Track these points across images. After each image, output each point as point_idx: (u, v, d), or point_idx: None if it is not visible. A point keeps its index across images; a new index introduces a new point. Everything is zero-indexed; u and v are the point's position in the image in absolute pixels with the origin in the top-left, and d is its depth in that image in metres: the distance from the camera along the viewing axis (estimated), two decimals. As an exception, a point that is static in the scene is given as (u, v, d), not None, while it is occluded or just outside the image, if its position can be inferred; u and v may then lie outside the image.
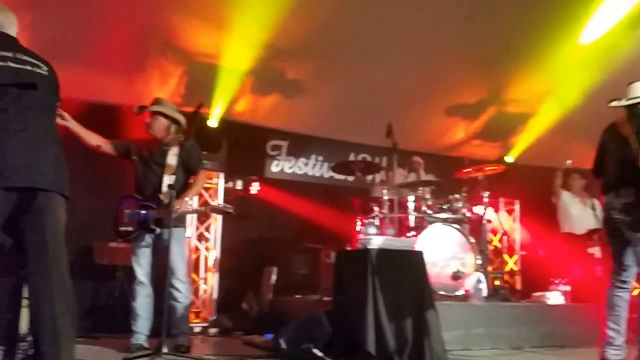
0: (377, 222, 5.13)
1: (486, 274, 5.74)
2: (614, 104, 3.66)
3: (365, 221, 4.65)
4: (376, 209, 5.28)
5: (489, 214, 6.55)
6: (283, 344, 4.00)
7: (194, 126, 3.95)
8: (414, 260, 4.11)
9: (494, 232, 7.25)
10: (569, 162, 6.37)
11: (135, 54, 5.55)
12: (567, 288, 5.30)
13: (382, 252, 4.04)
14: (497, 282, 6.42)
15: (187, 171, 4.23)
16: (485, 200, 5.84)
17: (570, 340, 4.83)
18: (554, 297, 5.17)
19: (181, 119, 4.24)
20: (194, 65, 5.78)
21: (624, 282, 3.55)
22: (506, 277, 7.04)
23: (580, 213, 6.41)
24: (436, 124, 7.25)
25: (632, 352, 3.43)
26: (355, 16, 5.35)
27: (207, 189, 6.25)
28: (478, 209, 5.85)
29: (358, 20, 5.41)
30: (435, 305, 4.05)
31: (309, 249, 6.54)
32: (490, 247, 7.32)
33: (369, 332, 3.77)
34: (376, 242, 4.14)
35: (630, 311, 3.58)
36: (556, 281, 5.36)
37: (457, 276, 5.13)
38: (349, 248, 5.37)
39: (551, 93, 6.61)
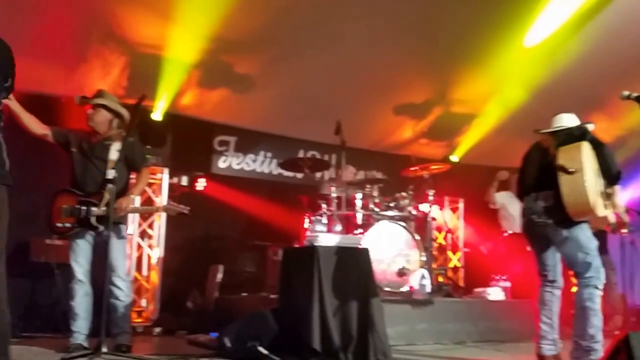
0: (324, 219, 5.13)
1: (430, 270, 5.85)
2: (542, 131, 3.80)
3: (313, 218, 4.65)
4: (324, 206, 5.28)
5: (434, 211, 6.68)
6: (228, 342, 3.96)
7: (136, 119, 3.84)
8: (360, 258, 4.14)
9: (439, 229, 7.39)
10: (505, 174, 6.61)
11: (76, 44, 5.33)
12: (507, 284, 5.47)
13: (329, 250, 4.06)
14: (441, 279, 6.56)
15: (129, 168, 4.13)
16: (431, 198, 5.95)
17: (510, 335, 5.00)
18: (495, 293, 5.32)
19: (124, 113, 4.12)
20: (138, 56, 5.59)
21: (552, 280, 3.70)
22: (450, 273, 7.19)
23: (520, 212, 6.62)
24: (384, 123, 7.31)
25: (568, 346, 3.56)
26: (306, 10, 5.32)
27: (150, 185, 6.09)
28: (424, 207, 5.96)
29: (309, 14, 5.38)
30: (380, 302, 4.10)
31: (256, 247, 6.48)
32: (435, 244, 7.47)
33: (314, 329, 3.78)
34: (323, 239, 4.14)
35: (568, 307, 3.71)
36: (497, 277, 5.51)
37: (402, 273, 5.20)
38: (296, 245, 5.36)
39: (495, 94, 6.77)
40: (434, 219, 6.23)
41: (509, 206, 6.65)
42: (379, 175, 7.63)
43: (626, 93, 3.61)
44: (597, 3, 5.64)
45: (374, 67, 6.15)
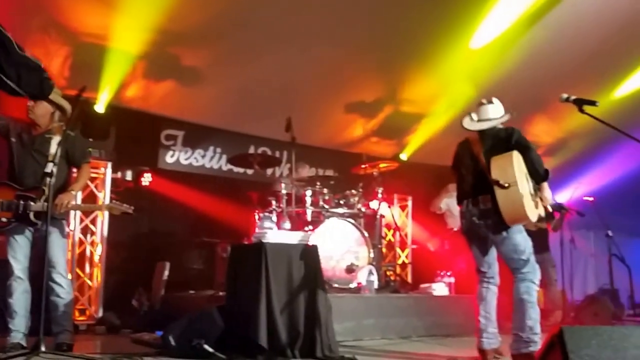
0: (274, 216, 5.11)
1: (379, 267, 5.92)
2: (466, 124, 3.90)
3: (261, 215, 4.62)
4: (274, 202, 5.26)
5: (383, 209, 6.77)
6: (172, 340, 3.89)
7: (76, 111, 3.71)
8: (308, 255, 4.13)
9: (388, 226, 7.49)
10: (454, 186, 6.78)
11: (15, 31, 5.09)
12: (452, 280, 5.60)
13: (277, 247, 4.04)
14: (389, 275, 6.65)
15: (70, 163, 3.99)
16: (380, 195, 6.02)
17: (454, 330, 5.11)
18: (439, 289, 5.43)
19: (67, 106, 3.96)
20: (80, 46, 5.40)
21: (490, 277, 3.82)
22: (398, 269, 7.30)
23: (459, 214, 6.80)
24: (336, 120, 7.35)
25: (507, 340, 3.67)
26: (258, 5, 5.28)
27: (93, 180, 5.88)
28: (373, 204, 6.02)
29: (260, 8, 5.34)
30: (328, 298, 4.11)
31: (205, 244, 6.40)
32: (384, 241, 7.57)
33: (261, 326, 3.75)
34: (271, 236, 4.12)
35: (508, 303, 3.82)
36: (442, 273, 5.64)
37: (351, 269, 5.24)
38: (245, 242, 5.31)
39: (443, 94, 6.92)
40: (382, 216, 6.31)
41: (453, 207, 6.81)
42: (330, 172, 7.68)
43: (565, 96, 3.73)
44: (541, 7, 5.84)
45: (326, 65, 6.16)
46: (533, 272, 3.59)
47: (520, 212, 3.49)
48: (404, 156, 7.94)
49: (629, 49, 6.47)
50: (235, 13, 5.39)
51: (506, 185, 3.51)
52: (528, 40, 6.18)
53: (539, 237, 5.72)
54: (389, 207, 6.75)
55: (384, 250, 7.44)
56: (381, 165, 6.19)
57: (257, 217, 5.38)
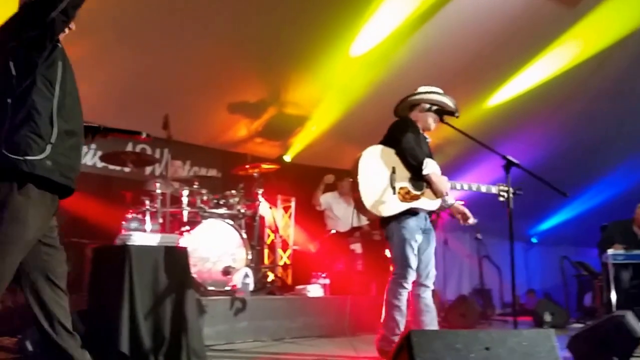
0: (147, 216, 4.93)
1: (257, 268, 5.91)
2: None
3: (128, 216, 4.42)
4: (148, 202, 5.07)
5: (265, 210, 6.77)
6: (29, 345, 3.69)
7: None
8: (177, 257, 4.02)
9: (271, 228, 7.49)
10: (331, 177, 6.93)
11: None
12: (327, 281, 5.70)
13: (143, 249, 3.90)
14: (271, 276, 6.65)
15: None
16: (261, 196, 6.00)
17: (327, 331, 5.20)
18: (314, 290, 5.51)
19: None
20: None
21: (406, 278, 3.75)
22: (280, 271, 7.32)
23: (344, 213, 6.96)
24: (220, 119, 7.23)
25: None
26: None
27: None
28: (253, 205, 5.99)
29: (139, 3, 5.14)
30: (200, 302, 4.04)
31: (74, 244, 6.00)
32: (267, 242, 7.56)
33: (123, 332, 3.61)
34: (137, 238, 3.97)
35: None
36: (318, 275, 5.73)
37: (227, 271, 5.17)
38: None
39: (325, 99, 7.05)
40: (262, 217, 6.30)
41: (334, 207, 6.96)
42: (213, 172, 7.55)
43: (427, 106, 3.92)
44: (419, 18, 6.13)
45: (208, 63, 6.06)
46: (403, 275, 3.59)
47: (360, 207, 3.58)
48: (287, 157, 7.98)
49: (501, 60, 6.95)
50: (114, 5, 5.14)
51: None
52: (405, 50, 6.46)
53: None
54: (270, 208, 6.76)
55: (266, 251, 7.45)
56: (263, 166, 6.17)
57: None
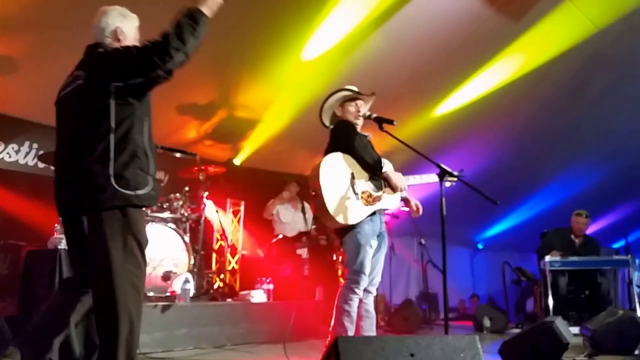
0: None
1: (201, 273, 5.83)
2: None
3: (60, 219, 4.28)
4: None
5: (213, 214, 6.69)
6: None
7: None
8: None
9: (219, 232, 7.41)
10: (287, 194, 6.96)
11: None
12: (270, 286, 5.66)
13: (76, 253, 3.79)
14: (219, 282, 6.58)
15: None
16: (206, 200, 5.92)
17: (269, 337, 5.16)
18: (258, 296, 5.47)
19: None
20: None
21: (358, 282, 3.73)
22: (228, 276, 7.24)
23: (292, 218, 6.96)
24: (168, 120, 7.06)
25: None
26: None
27: None
28: (199, 209, 5.91)
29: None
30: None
31: (9, 247, 5.80)
32: (215, 247, 7.47)
33: (54, 339, 3.49)
34: (70, 242, 3.84)
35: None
36: (262, 280, 5.69)
37: (167, 277, 5.08)
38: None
39: (276, 102, 7.02)
40: (209, 221, 6.22)
41: (281, 213, 6.96)
42: (160, 174, 7.39)
43: (367, 113, 3.92)
44: (368, 26, 6.18)
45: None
46: (354, 280, 3.57)
47: (332, 220, 3.50)
48: (237, 161, 7.92)
49: (448, 70, 7.07)
50: (57, 3, 4.99)
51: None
52: (357, 55, 6.49)
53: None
54: (217, 211, 6.68)
55: (214, 256, 7.36)
56: (210, 169, 6.10)
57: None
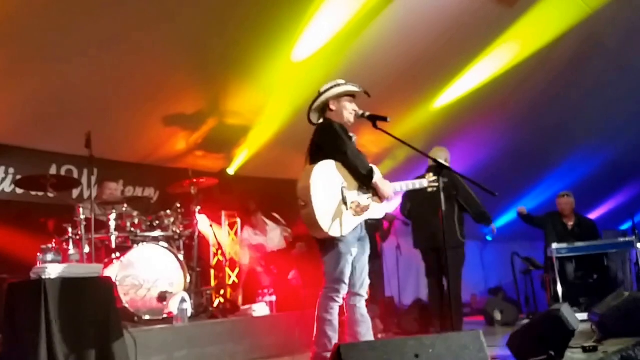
0: (70, 245, 4.54)
1: (198, 291, 5.58)
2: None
3: (43, 247, 4.02)
4: (70, 230, 4.68)
5: (207, 228, 6.42)
6: None
7: None
8: (99, 288, 3.72)
9: (215, 247, 7.14)
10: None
11: None
12: (273, 298, 5.42)
13: (61, 282, 3.56)
14: (220, 298, 6.31)
15: None
16: (198, 214, 5.66)
17: (274, 351, 4.90)
18: (260, 309, 5.23)
19: None
20: None
21: (355, 293, 3.65)
22: (229, 291, 6.98)
23: (264, 238, 6.80)
24: (154, 134, 6.79)
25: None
26: (54, 7, 4.70)
27: None
28: (192, 225, 5.65)
29: (62, 9, 4.76)
30: (124, 336, 3.73)
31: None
32: (213, 262, 7.20)
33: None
34: (53, 270, 3.60)
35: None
36: (264, 292, 5.45)
37: (162, 297, 4.83)
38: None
39: (267, 107, 6.77)
40: (204, 236, 5.96)
41: (252, 239, 6.86)
42: (150, 191, 7.15)
43: (360, 112, 3.76)
44: (361, 20, 5.96)
45: (139, 74, 5.68)
46: (334, 288, 3.48)
47: (322, 232, 3.36)
48: (231, 170, 7.65)
49: (444, 61, 6.86)
50: (29, 13, 4.74)
51: (302, 204, 3.38)
52: (351, 51, 6.27)
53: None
54: (211, 225, 6.41)
55: (212, 272, 7.08)
56: (201, 181, 5.83)
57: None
